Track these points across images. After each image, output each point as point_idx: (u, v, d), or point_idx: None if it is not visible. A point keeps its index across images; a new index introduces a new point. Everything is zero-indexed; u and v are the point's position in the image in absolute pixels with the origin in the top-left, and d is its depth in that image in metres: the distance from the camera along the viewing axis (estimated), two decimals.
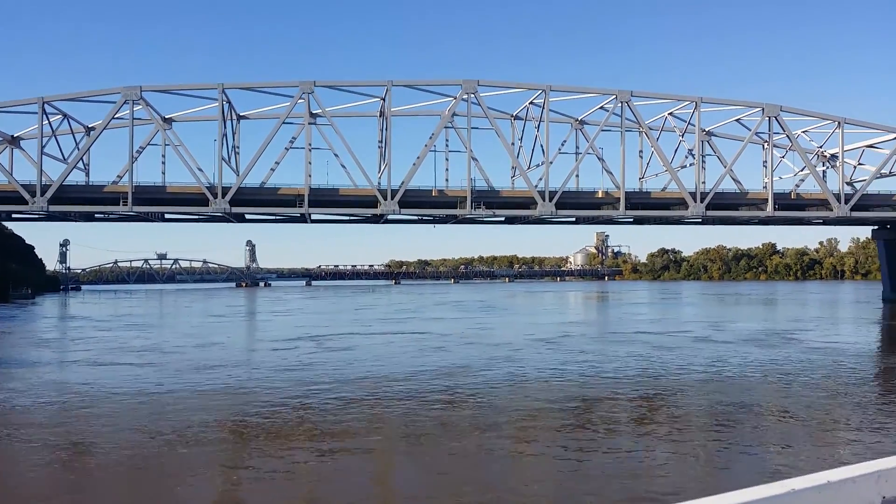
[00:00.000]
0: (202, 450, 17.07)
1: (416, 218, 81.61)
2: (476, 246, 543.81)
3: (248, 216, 79.42)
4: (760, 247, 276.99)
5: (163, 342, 44.75)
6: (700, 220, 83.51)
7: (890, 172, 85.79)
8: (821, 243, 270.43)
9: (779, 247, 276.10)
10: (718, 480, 14.13)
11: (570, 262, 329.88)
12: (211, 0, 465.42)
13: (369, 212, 74.69)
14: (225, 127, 74.13)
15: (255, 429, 19.47)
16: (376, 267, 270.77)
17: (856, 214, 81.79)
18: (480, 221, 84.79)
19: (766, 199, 79.80)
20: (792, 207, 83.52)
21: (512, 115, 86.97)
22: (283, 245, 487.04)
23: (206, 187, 71.12)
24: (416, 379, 27.94)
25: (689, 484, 13.98)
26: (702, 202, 77.42)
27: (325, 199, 74.09)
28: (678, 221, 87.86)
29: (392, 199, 72.68)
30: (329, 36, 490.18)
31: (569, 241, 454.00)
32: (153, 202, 72.97)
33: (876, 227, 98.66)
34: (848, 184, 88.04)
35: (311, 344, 42.20)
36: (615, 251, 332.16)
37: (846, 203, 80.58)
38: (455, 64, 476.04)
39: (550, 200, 75.03)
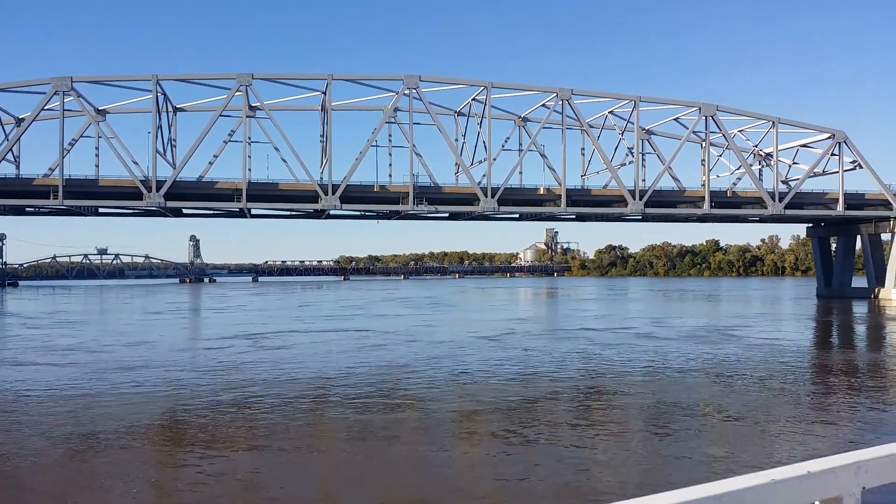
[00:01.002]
0: (104, 459, 16.45)
1: (358, 213, 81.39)
2: (427, 242, 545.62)
3: (185, 211, 78.12)
4: (704, 244, 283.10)
5: (91, 341, 43.76)
6: (640, 217, 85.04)
7: (823, 172, 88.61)
8: (762, 240, 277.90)
9: (722, 244, 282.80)
10: (659, 478, 14.32)
11: (520, 259, 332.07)
12: None
13: (310, 207, 74.22)
14: (160, 119, 72.97)
15: (167, 435, 19.04)
16: (325, 263, 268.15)
17: (790, 212, 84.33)
18: (424, 217, 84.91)
19: (704, 197, 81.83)
20: (728, 205, 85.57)
21: (455, 112, 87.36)
22: (229, 240, 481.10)
23: (141, 181, 69.76)
24: (349, 379, 27.54)
25: (631, 480, 14.24)
26: (640, 200, 79.03)
27: (264, 193, 73.50)
28: (619, 218, 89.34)
29: (333, 194, 72.35)
30: (269, 30, 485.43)
31: (519, 238, 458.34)
32: (85, 196, 71.37)
33: (810, 225, 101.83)
34: (783, 182, 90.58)
35: (246, 343, 41.48)
36: (564, 247, 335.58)
37: (780, 201, 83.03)
38: (399, 60, 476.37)
39: (493, 197, 75.67)
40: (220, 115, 75.31)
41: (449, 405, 22.25)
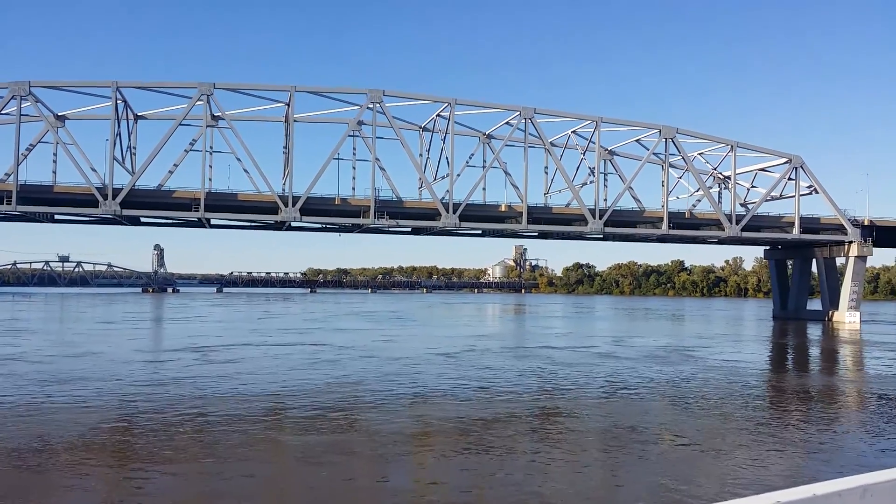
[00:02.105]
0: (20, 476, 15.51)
1: (319, 226, 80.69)
2: (396, 256, 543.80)
3: (143, 219, 76.88)
4: (669, 264, 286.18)
5: (34, 350, 42.10)
6: (601, 236, 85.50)
7: (780, 196, 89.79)
8: (727, 262, 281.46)
9: (687, 264, 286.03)
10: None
11: (489, 274, 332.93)
12: None
13: (271, 218, 73.33)
14: (119, 126, 71.60)
15: (88, 452, 17.84)
16: (291, 275, 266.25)
17: (746, 235, 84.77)
18: (386, 231, 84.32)
19: (662, 218, 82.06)
20: (687, 226, 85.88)
21: (420, 127, 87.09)
22: (195, 250, 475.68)
23: (97, 188, 68.49)
24: (292, 397, 26.43)
25: None
26: (601, 219, 78.99)
27: (223, 203, 72.04)
28: (580, 237, 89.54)
29: (293, 206, 71.62)
30: (231, 41, 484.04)
31: (488, 254, 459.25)
32: (40, 202, 69.36)
33: (768, 248, 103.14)
34: (742, 205, 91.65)
35: (194, 356, 40.25)
36: (533, 264, 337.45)
37: (737, 224, 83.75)
38: (363, 76, 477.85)
39: (454, 212, 75.46)
40: (182, 125, 74.40)
41: (394, 426, 21.22)
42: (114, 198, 68.06)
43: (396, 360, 38.66)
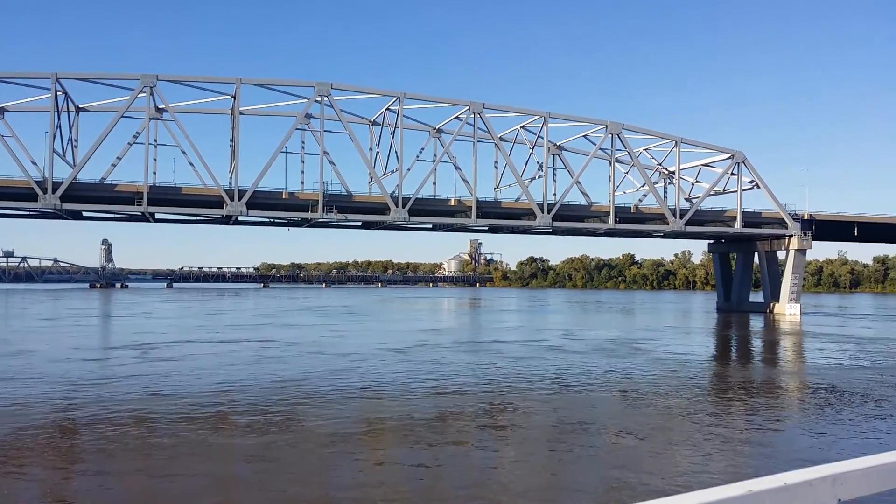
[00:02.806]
0: None
1: (267, 220, 79.56)
2: (351, 251, 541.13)
3: (86, 214, 74.99)
4: (621, 257, 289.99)
5: None
6: (550, 230, 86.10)
7: (724, 190, 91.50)
8: (676, 255, 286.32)
9: (637, 258, 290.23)
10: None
11: (444, 269, 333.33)
12: None
13: (216, 212, 71.99)
14: (59, 119, 69.58)
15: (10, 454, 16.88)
16: (244, 270, 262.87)
17: (690, 229, 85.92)
18: (336, 226, 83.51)
19: (609, 212, 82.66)
20: (633, 220, 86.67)
21: (370, 121, 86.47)
22: (144, 245, 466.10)
23: (37, 181, 66.51)
24: (230, 395, 25.42)
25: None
26: (549, 213, 79.49)
27: (167, 197, 70.11)
28: (529, 231, 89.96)
29: (240, 199, 70.51)
30: (175, 32, 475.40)
31: (444, 248, 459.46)
32: None
33: (711, 242, 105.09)
34: (687, 200, 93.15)
35: (134, 353, 38.85)
36: (487, 258, 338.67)
37: (681, 218, 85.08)
38: (312, 69, 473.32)
39: (403, 207, 75.20)
40: (127, 117, 72.70)
41: (335, 425, 20.35)
42: (54, 191, 65.96)
43: (344, 357, 37.74)
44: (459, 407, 23.70)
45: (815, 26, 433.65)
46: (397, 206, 74.66)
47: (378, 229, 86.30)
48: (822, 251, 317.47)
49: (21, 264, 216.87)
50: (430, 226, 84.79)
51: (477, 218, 78.11)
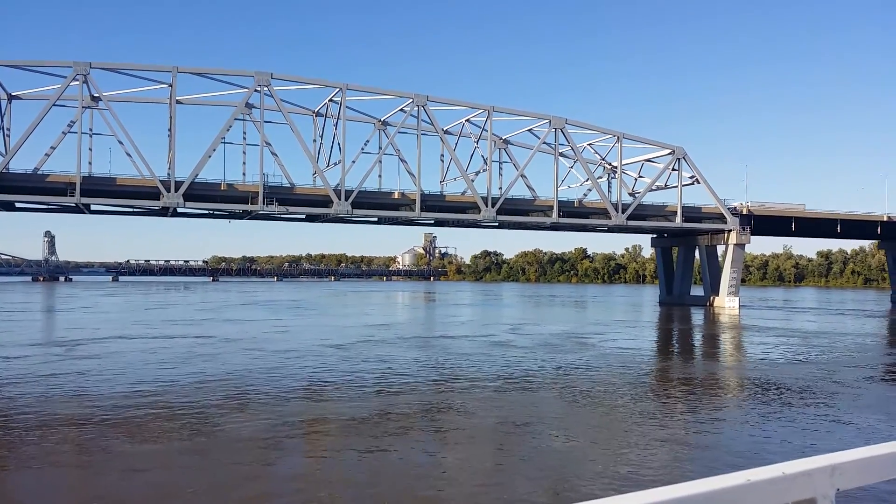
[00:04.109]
0: None
1: (206, 212, 78.19)
2: (305, 244, 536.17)
3: (18, 205, 72.87)
4: (573, 251, 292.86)
5: None
6: (495, 223, 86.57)
7: (665, 185, 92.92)
8: (626, 249, 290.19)
9: (589, 252, 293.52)
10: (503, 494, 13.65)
11: (399, 263, 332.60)
12: None
13: (154, 204, 70.38)
14: None
15: None
16: (192, 263, 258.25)
17: (632, 223, 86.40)
18: (278, 218, 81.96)
19: (553, 206, 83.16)
20: (576, 215, 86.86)
21: (314, 112, 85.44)
22: (89, 237, 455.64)
23: None
24: (147, 396, 23.89)
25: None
26: (493, 207, 79.53)
27: (101, 188, 67.57)
28: (474, 224, 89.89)
29: (177, 191, 69.18)
30: (109, 18, 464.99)
31: (398, 242, 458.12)
32: None
33: (654, 236, 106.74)
34: (631, 194, 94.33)
35: (57, 350, 37.07)
36: (442, 252, 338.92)
37: (623, 212, 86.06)
38: (252, 59, 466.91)
39: (346, 199, 74.65)
40: (61, 106, 70.77)
41: (256, 429, 19.08)
42: None
43: (282, 353, 36.58)
44: (395, 408, 22.54)
45: (754, 18, 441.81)
46: (340, 199, 74.08)
47: (322, 222, 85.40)
48: (769, 246, 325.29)
49: None
50: (376, 219, 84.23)
51: (421, 211, 77.78)
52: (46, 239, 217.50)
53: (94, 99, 69.56)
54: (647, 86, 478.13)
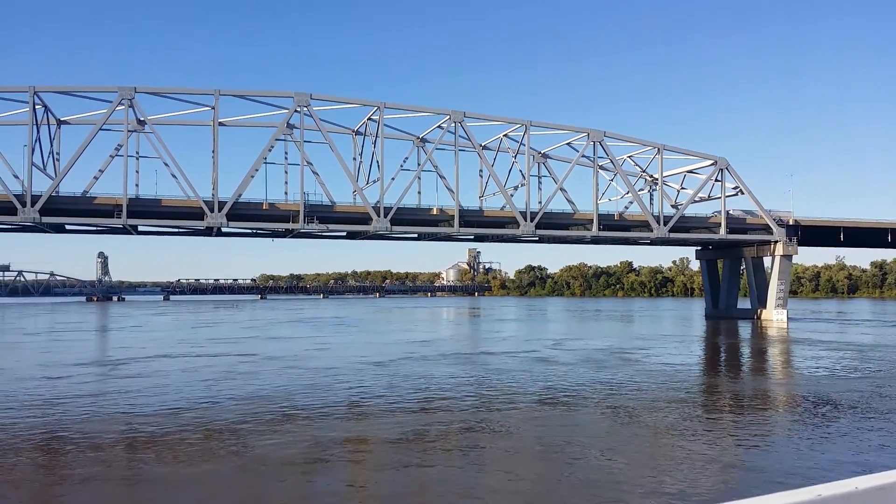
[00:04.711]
0: None
1: (249, 231, 79.38)
2: (351, 261, 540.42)
3: (68, 227, 74.85)
4: (619, 265, 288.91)
5: None
6: (535, 238, 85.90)
7: (709, 196, 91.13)
8: (674, 262, 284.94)
9: (635, 265, 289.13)
10: None
11: (443, 278, 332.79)
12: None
13: (198, 224, 71.56)
14: (38, 132, 69.24)
15: None
16: (241, 281, 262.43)
17: (674, 235, 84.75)
18: (319, 236, 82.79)
19: (592, 220, 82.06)
20: (617, 228, 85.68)
21: (353, 131, 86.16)
22: (142, 257, 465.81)
23: (16, 195, 66.31)
24: (182, 416, 23.78)
25: None
26: (532, 221, 78.82)
27: (147, 210, 68.96)
28: (513, 239, 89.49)
29: (220, 211, 70.28)
30: (151, 41, 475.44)
31: (443, 258, 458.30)
32: None
33: (699, 248, 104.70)
34: (673, 206, 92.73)
35: (101, 370, 37.43)
36: (486, 267, 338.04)
37: (665, 225, 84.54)
38: (292, 80, 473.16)
39: (385, 216, 74.94)
40: (107, 130, 72.21)
41: (290, 451, 18.59)
42: (32, 205, 65.88)
43: (321, 371, 36.32)
44: (433, 427, 21.97)
45: (799, 31, 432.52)
46: (379, 216, 74.41)
47: (362, 239, 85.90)
48: (821, 256, 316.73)
49: (18, 278, 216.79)
50: (415, 235, 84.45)
51: (460, 227, 77.66)
52: (100, 260, 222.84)
53: (139, 123, 71.12)
54: (686, 98, 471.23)
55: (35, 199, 66.02)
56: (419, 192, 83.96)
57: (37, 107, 68.27)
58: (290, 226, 73.22)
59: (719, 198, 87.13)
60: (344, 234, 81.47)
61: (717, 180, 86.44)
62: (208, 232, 76.77)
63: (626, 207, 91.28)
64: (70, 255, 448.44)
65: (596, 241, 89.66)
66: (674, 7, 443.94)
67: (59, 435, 21.27)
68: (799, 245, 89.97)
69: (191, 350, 49.67)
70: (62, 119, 75.30)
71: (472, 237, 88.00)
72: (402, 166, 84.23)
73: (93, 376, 35.04)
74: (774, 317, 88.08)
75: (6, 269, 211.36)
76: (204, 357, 44.48)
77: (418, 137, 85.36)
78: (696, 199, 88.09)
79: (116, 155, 70.43)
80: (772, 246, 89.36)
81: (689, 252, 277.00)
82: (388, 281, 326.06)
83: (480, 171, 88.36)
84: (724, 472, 16.72)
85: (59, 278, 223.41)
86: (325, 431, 21.34)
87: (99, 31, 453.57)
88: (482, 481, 16.07)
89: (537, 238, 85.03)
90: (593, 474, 16.54)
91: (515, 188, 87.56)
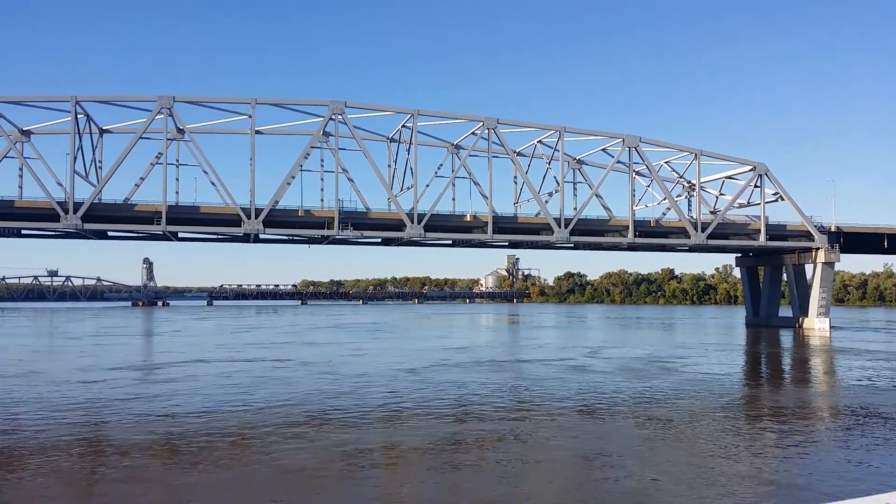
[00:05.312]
0: None
1: (286, 238, 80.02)
2: (391, 268, 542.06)
3: (110, 233, 76.15)
4: (660, 272, 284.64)
5: None
6: (570, 244, 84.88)
7: (748, 203, 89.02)
8: (717, 269, 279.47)
9: (677, 272, 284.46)
10: None
11: (482, 285, 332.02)
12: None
13: (235, 231, 72.19)
14: (81, 140, 70.69)
15: None
16: (282, 287, 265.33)
17: (713, 242, 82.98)
18: (354, 242, 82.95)
19: (628, 226, 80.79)
20: (654, 234, 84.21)
21: (388, 138, 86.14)
22: (186, 263, 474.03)
23: (59, 202, 67.80)
24: (209, 421, 23.70)
25: None
26: (566, 228, 77.80)
27: (186, 216, 69.78)
28: (548, 246, 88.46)
29: (256, 218, 70.71)
30: (191, 52, 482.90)
31: (482, 265, 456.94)
32: (1, 217, 67.01)
33: (739, 255, 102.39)
34: (712, 212, 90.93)
35: (136, 375, 37.68)
36: (525, 274, 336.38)
37: (703, 231, 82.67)
38: (327, 87, 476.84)
39: (419, 223, 74.81)
40: (147, 138, 73.61)
41: (312, 458, 18.37)
42: (75, 212, 67.20)
43: (353, 378, 36.09)
44: (462, 436, 21.44)
45: (838, 34, 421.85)
46: (413, 223, 74.31)
47: (396, 245, 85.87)
48: (869, 264, 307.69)
49: (66, 283, 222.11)
50: (449, 241, 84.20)
51: (494, 233, 77.16)
52: (145, 266, 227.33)
53: (178, 131, 72.12)
54: (724, 103, 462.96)
55: (77, 206, 67.24)
56: (453, 199, 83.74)
57: (79, 116, 69.51)
58: (325, 232, 73.56)
59: (758, 204, 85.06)
60: (379, 240, 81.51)
61: (756, 186, 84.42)
62: (246, 238, 77.49)
63: (664, 214, 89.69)
64: (116, 260, 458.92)
65: (632, 247, 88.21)
66: (709, 11, 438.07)
67: (85, 438, 21.34)
68: (841, 252, 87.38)
69: (227, 355, 49.94)
70: (104, 128, 76.69)
71: (506, 244, 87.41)
72: (436, 173, 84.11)
73: (127, 381, 35.20)
74: (816, 325, 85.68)
75: (55, 274, 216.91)
76: (239, 362, 44.66)
77: (452, 144, 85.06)
78: (735, 205, 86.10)
79: (157, 163, 71.41)
80: (813, 253, 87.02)
81: (732, 259, 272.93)
82: (426, 287, 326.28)
83: (515, 177, 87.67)
84: (761, 488, 15.96)
85: (105, 283, 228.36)
86: (349, 440, 20.96)
87: (137, 40, 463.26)
88: (513, 491, 15.69)
89: (572, 245, 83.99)
90: (627, 489, 15.88)
91: (550, 194, 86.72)
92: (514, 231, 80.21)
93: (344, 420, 24.20)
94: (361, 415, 25.38)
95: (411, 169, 76.94)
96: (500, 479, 16.71)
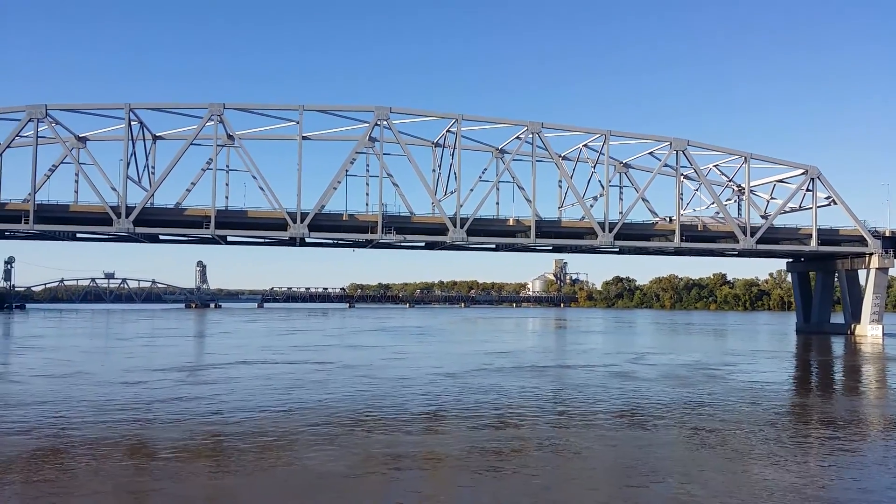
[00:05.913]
0: None
1: (331, 242, 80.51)
2: (439, 272, 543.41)
3: (162, 237, 77.78)
4: (711, 277, 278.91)
5: (27, 369, 40.81)
6: (615, 249, 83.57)
7: (800, 207, 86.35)
8: (770, 275, 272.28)
9: (729, 277, 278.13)
10: None
11: (529, 289, 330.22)
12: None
13: (281, 234, 72.95)
14: (134, 147, 72.49)
15: None
16: (331, 290, 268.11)
17: (762, 247, 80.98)
18: (397, 246, 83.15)
19: (674, 231, 79.08)
20: (701, 239, 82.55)
21: (432, 143, 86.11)
22: (238, 266, 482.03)
23: (112, 207, 69.33)
24: (245, 423, 23.53)
25: None
26: (610, 232, 76.52)
27: (234, 221, 70.99)
28: (592, 250, 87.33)
29: (302, 222, 71.54)
30: (241, 60, 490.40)
31: (530, 269, 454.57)
32: (57, 221, 69.17)
33: (790, 261, 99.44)
34: (763, 217, 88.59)
35: (179, 376, 37.87)
36: (573, 278, 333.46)
37: (752, 236, 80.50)
38: (373, 93, 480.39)
39: (462, 227, 74.48)
40: (198, 144, 75.21)
41: (334, 459, 18.11)
42: (127, 216, 68.76)
43: (392, 381, 35.74)
44: (499, 444, 20.71)
45: (879, 42, 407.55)
46: (455, 226, 74.09)
47: (440, 249, 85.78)
48: None
49: (122, 285, 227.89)
50: (493, 245, 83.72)
51: (537, 237, 76.53)
52: (199, 268, 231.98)
53: (228, 137, 73.19)
54: (775, 107, 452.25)
55: (129, 210, 68.70)
56: (497, 203, 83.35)
57: (132, 123, 71.04)
58: (368, 236, 73.82)
59: (810, 208, 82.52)
60: (422, 244, 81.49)
61: (808, 190, 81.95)
62: (292, 242, 78.25)
63: (712, 218, 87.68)
64: (171, 264, 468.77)
65: (679, 252, 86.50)
66: (755, 17, 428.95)
67: (114, 440, 21.29)
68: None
69: (270, 357, 50.10)
70: (157, 134, 78.33)
71: (550, 248, 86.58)
72: (480, 177, 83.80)
73: (169, 382, 35.40)
74: (869, 332, 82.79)
75: (111, 276, 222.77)
76: (281, 364, 44.71)
77: (497, 149, 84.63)
78: (787, 209, 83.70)
79: (207, 168, 72.61)
80: (867, 258, 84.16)
81: (784, 264, 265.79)
82: (473, 291, 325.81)
83: (560, 181, 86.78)
84: None
85: (160, 286, 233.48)
86: (384, 443, 20.69)
87: (189, 44, 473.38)
88: (553, 498, 15.19)
89: (617, 249, 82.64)
90: (666, 501, 15.21)
91: (595, 198, 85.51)
92: (558, 235, 79.34)
93: (379, 425, 23.88)
94: (397, 419, 25.02)
95: (455, 173, 76.77)
96: (542, 488, 16.15)
